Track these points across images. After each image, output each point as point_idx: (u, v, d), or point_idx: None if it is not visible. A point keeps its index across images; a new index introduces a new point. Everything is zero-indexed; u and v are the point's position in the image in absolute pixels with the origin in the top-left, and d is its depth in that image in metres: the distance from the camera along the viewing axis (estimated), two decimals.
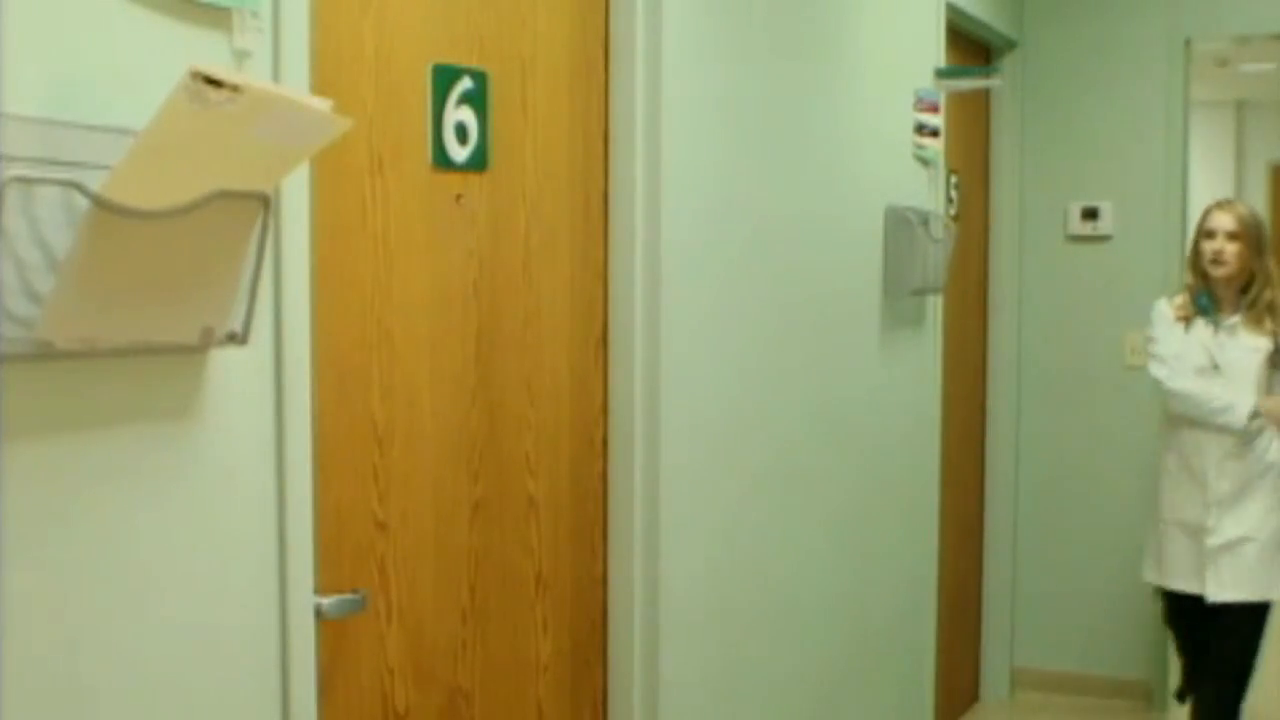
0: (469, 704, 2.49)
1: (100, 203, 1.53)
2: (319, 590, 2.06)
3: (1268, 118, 10.87)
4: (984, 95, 5.47)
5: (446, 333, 2.41)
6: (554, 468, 2.70)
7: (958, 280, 4.99)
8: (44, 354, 1.55)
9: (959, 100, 4.93)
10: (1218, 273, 4.38)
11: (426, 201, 2.36)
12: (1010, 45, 5.57)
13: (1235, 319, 4.39)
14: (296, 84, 1.92)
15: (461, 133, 2.41)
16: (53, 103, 1.56)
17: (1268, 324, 4.36)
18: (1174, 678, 4.98)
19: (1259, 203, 10.91)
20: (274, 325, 1.90)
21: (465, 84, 2.40)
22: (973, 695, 5.70)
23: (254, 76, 1.83)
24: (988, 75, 5.11)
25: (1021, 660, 5.78)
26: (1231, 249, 4.36)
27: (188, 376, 1.78)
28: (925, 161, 4.43)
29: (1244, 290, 4.38)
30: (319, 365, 2.05)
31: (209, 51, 1.78)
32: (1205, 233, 4.43)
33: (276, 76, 1.89)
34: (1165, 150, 5.50)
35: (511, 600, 2.60)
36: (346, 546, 2.20)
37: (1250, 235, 4.38)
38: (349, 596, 2.13)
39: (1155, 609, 4.97)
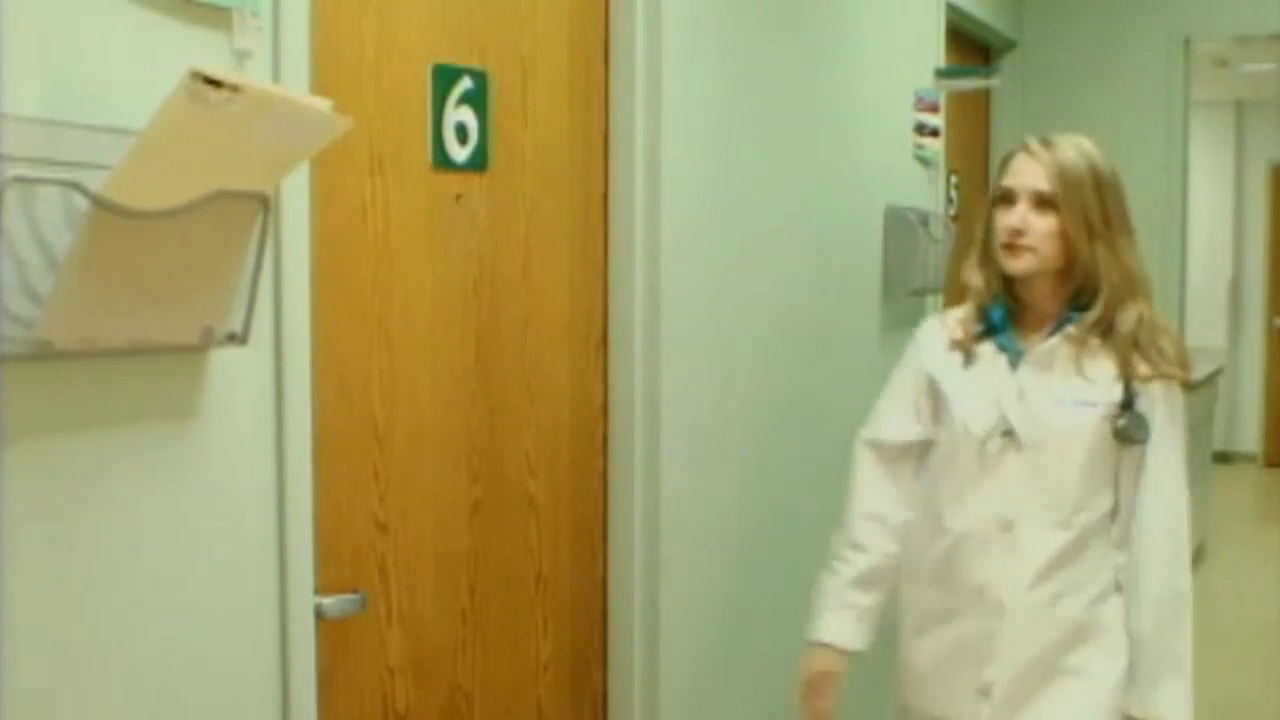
0: (469, 704, 2.49)
1: (100, 203, 1.53)
2: (319, 590, 2.06)
3: (1268, 118, 10.86)
4: (984, 95, 5.47)
5: (446, 333, 2.41)
6: (554, 468, 2.70)
7: (957, 280, 4.98)
8: (44, 354, 1.55)
9: (959, 100, 4.93)
10: (1013, 266, 2.50)
11: (426, 202, 2.36)
12: (1010, 45, 5.58)
13: (1053, 344, 2.49)
14: (297, 84, 1.92)
15: (461, 133, 2.41)
16: (53, 103, 1.56)
17: (1118, 359, 2.47)
18: None
19: (1258, 203, 10.92)
20: (274, 325, 1.90)
21: (465, 84, 2.40)
22: None
23: (254, 77, 1.83)
24: (988, 75, 5.11)
25: None
26: (1041, 225, 2.46)
27: (188, 376, 1.78)
28: (925, 161, 4.43)
29: (1075, 298, 2.52)
30: (319, 365, 2.05)
31: (209, 51, 1.78)
32: (1001, 196, 2.54)
33: (277, 77, 1.89)
34: (1165, 150, 5.50)
35: (511, 600, 2.60)
36: (346, 547, 2.19)
37: (1078, 200, 2.46)
38: (349, 597, 2.13)
39: None
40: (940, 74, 4.52)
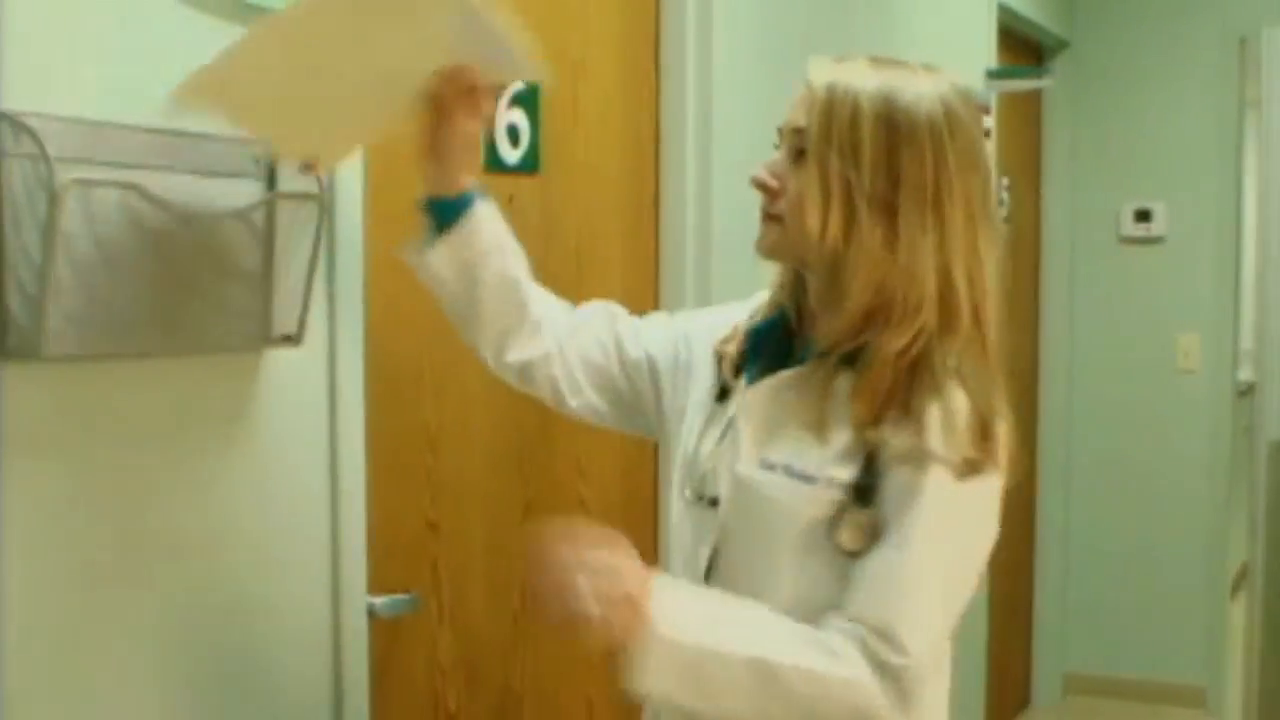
0: (519, 705, 2.49)
1: (157, 203, 1.54)
2: (371, 590, 2.06)
3: None
4: (1035, 96, 5.43)
5: None
6: (605, 471, 2.70)
7: (1009, 284, 4.94)
8: (100, 355, 1.56)
9: (1010, 101, 4.90)
10: (756, 243, 1.65)
11: None
12: (1062, 45, 5.53)
13: (777, 381, 1.62)
14: None
15: (513, 135, 2.41)
16: (108, 105, 1.57)
17: (872, 413, 1.53)
18: (1233, 682, 4.91)
19: None
20: (328, 326, 1.91)
21: (516, 86, 2.40)
22: (1024, 700, 5.66)
23: None
24: (1039, 76, 5.07)
25: (1073, 665, 5.73)
26: (794, 184, 1.60)
27: (243, 377, 1.79)
28: None
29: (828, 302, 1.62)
30: (371, 367, 2.06)
31: None
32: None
33: None
34: (1219, 150, 5.44)
35: None
36: (398, 548, 2.20)
37: (837, 146, 1.55)
38: (401, 597, 2.13)
39: (1210, 611, 4.92)
40: (991, 75, 4.49)
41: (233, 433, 1.77)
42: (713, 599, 1.58)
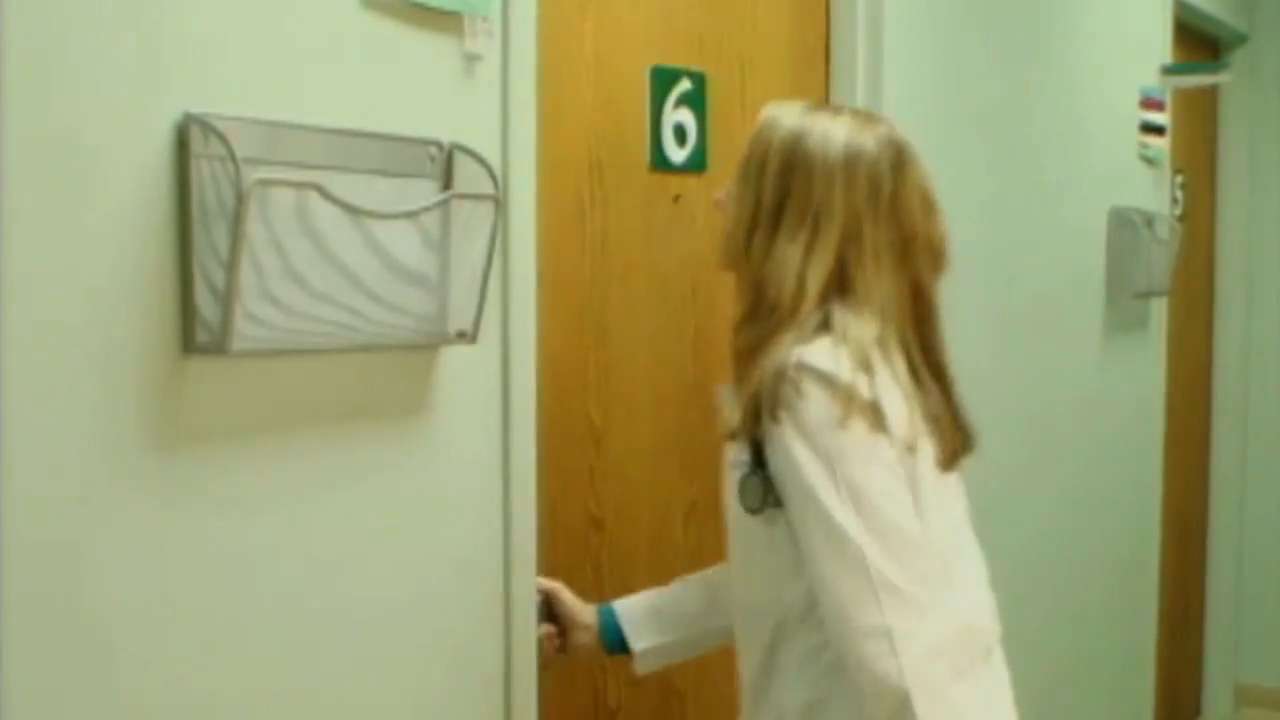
0: (682, 704, 2.50)
1: (337, 204, 1.57)
2: None
3: None
4: (1211, 91, 5.28)
5: (664, 333, 2.42)
6: None
7: (1183, 283, 4.83)
8: (280, 351, 1.60)
9: (1185, 97, 4.77)
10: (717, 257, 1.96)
11: (644, 203, 2.37)
12: (1240, 39, 5.37)
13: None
14: (524, 87, 1.95)
15: (680, 134, 2.42)
16: (289, 106, 1.60)
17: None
18: None
19: None
20: (501, 323, 1.93)
21: (684, 85, 2.41)
22: (1193, 712, 5.51)
23: (484, 81, 1.87)
24: (1216, 71, 4.93)
25: (1246, 676, 5.57)
26: (729, 213, 1.89)
27: (418, 374, 1.82)
28: (1150, 161, 4.30)
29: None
30: (539, 363, 2.08)
31: (440, 54, 1.82)
32: None
33: (505, 80, 1.91)
34: None
35: None
36: (561, 543, 2.22)
37: (758, 175, 1.83)
38: None
39: None
40: (1167, 71, 4.38)
41: (408, 428, 1.80)
42: None
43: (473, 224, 1.77)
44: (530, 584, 2.01)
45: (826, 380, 1.70)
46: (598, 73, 2.27)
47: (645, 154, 2.37)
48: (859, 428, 1.69)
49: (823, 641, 1.75)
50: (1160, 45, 4.39)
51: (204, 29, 1.51)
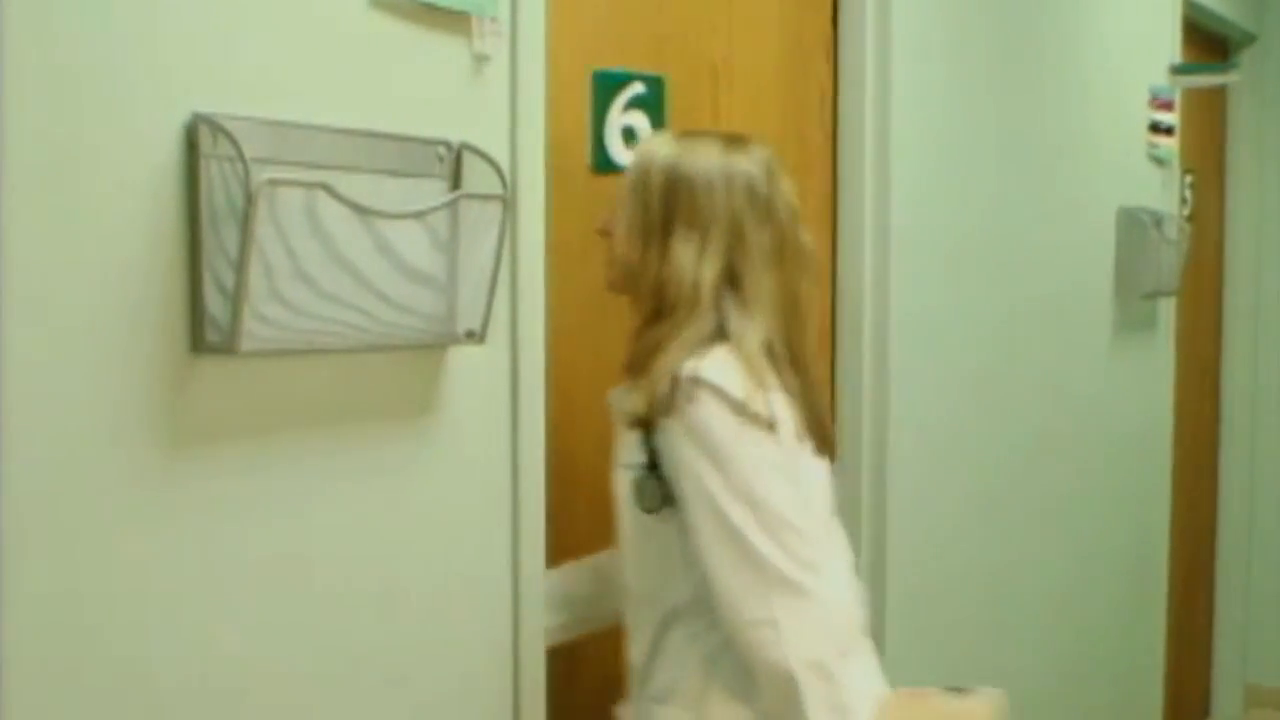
0: None
1: (346, 204, 1.57)
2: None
3: None
4: (1220, 91, 5.27)
5: None
6: None
7: (1191, 283, 4.82)
8: (289, 351, 1.60)
9: (1194, 96, 4.76)
10: (606, 281, 2.07)
11: None
12: (1249, 39, 5.36)
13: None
14: (532, 87, 1.95)
15: (629, 137, 2.39)
16: (297, 106, 1.60)
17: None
18: None
19: None
20: (510, 324, 1.93)
21: (635, 89, 2.37)
22: (1202, 712, 5.50)
23: (492, 81, 1.87)
24: (1225, 71, 4.92)
25: (1255, 676, 5.56)
26: (617, 229, 2.00)
27: (427, 374, 1.82)
28: (1160, 160, 4.30)
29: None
30: (548, 363, 2.07)
31: (449, 55, 1.82)
32: None
33: (514, 81, 1.92)
34: None
35: None
36: (570, 546, 2.22)
37: (643, 193, 1.95)
38: None
39: None
40: (1176, 70, 4.38)
41: (417, 428, 1.80)
42: None
43: (481, 224, 1.78)
44: (538, 587, 2.01)
45: (719, 391, 1.82)
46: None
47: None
48: (748, 431, 1.82)
49: (706, 627, 1.89)
50: (1169, 45, 4.38)
51: (213, 29, 1.51)
